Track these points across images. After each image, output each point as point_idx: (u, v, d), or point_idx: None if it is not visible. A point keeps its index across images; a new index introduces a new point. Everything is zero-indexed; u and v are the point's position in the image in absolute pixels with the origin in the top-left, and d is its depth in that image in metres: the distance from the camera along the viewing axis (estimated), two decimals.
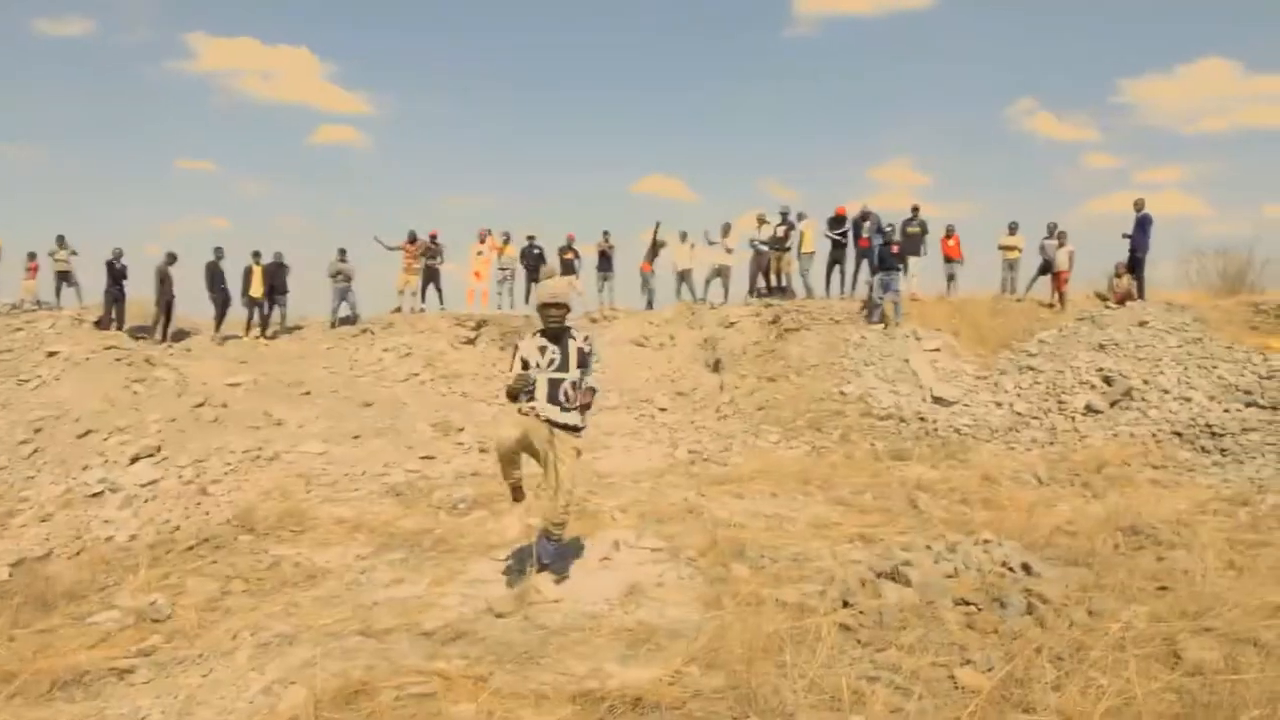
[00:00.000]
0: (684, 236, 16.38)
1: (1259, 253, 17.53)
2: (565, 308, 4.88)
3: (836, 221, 15.17)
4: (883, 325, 13.87)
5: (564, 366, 4.81)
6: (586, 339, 4.98)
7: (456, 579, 5.21)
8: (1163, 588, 4.41)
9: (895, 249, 13.92)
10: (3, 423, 11.14)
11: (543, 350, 4.82)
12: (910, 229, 14.94)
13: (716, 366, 14.70)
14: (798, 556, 5.34)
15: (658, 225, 16.41)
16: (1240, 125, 53.62)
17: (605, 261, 16.52)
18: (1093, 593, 4.30)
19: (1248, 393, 10.58)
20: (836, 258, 15.30)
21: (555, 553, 5.02)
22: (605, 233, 16.56)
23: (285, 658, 3.96)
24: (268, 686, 3.66)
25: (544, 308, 4.82)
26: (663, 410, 13.20)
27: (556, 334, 4.86)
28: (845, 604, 4.22)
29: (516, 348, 4.91)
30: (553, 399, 4.75)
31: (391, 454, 10.49)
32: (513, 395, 4.73)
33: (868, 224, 14.69)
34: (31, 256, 15.82)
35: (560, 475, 4.74)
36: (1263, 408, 10.14)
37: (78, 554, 6.65)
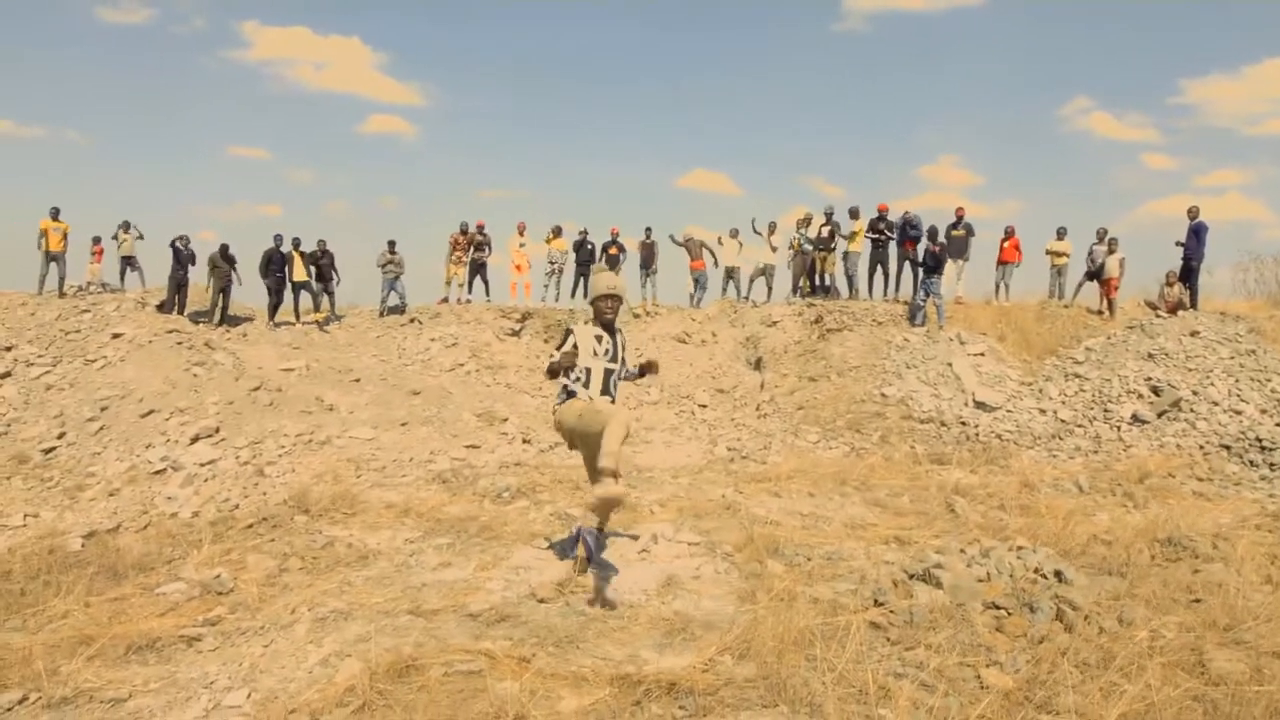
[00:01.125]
0: (734, 234, 16.48)
1: None
2: (621, 300, 4.97)
3: (879, 219, 15.09)
4: (925, 328, 13.82)
5: (615, 358, 4.91)
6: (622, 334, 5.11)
7: (501, 565, 5.42)
8: (1196, 599, 4.44)
9: (937, 250, 13.85)
10: (71, 401, 11.72)
11: (599, 339, 4.87)
12: (955, 232, 14.85)
13: (758, 365, 14.78)
14: (832, 555, 5.45)
15: (727, 236, 16.53)
16: None
17: (648, 257, 16.67)
18: (1124, 601, 4.35)
19: None
20: (879, 258, 15.25)
21: (599, 545, 5.16)
22: (648, 229, 16.74)
23: (341, 632, 4.20)
24: (325, 658, 3.90)
25: (602, 299, 4.87)
26: (703, 407, 13.34)
27: (610, 325, 4.94)
28: (877, 602, 4.34)
29: (570, 331, 4.87)
30: (605, 389, 4.83)
31: (438, 442, 10.79)
32: (555, 373, 4.75)
33: (911, 225, 14.61)
34: (96, 240, 16.51)
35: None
36: None
37: (145, 528, 7.03)
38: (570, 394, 4.79)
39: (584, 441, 4.73)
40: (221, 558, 5.67)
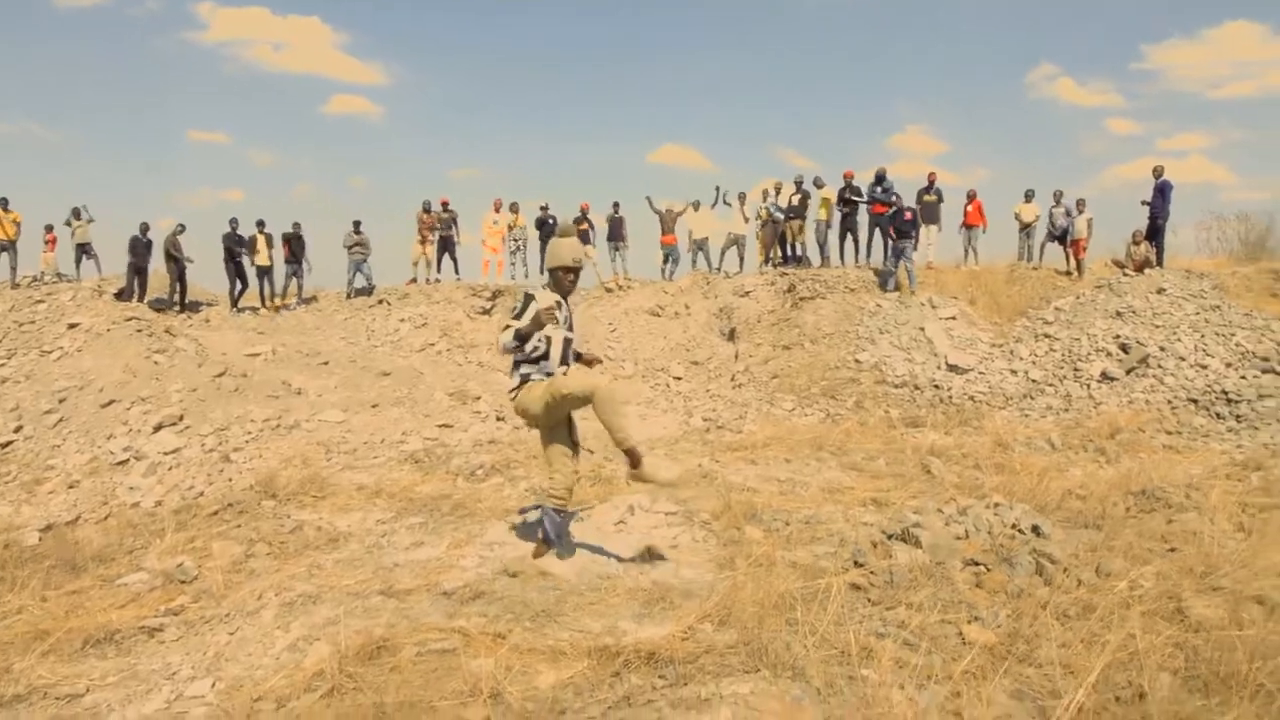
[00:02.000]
0: (697, 206, 16.33)
1: None
2: (580, 272, 4.67)
3: (845, 187, 15.00)
4: (898, 293, 13.82)
5: (571, 328, 4.68)
6: None
7: (474, 541, 5.31)
8: (1171, 549, 4.45)
9: (909, 216, 13.82)
10: (28, 393, 11.35)
11: (559, 307, 4.52)
12: (926, 197, 14.83)
13: (731, 335, 14.72)
14: (810, 519, 5.41)
15: (694, 205, 16.38)
16: (1269, 89, 52.56)
17: (617, 230, 16.49)
18: (1101, 553, 4.34)
19: (1265, 359, 10.50)
20: (849, 225, 15.20)
21: (563, 525, 4.78)
22: (615, 203, 16.56)
23: (309, 616, 4.08)
24: (293, 643, 3.78)
25: (564, 270, 4.52)
26: (678, 379, 13.27)
27: (567, 294, 4.65)
28: (856, 564, 4.29)
29: (531, 298, 4.43)
30: (565, 359, 4.60)
31: (409, 422, 10.62)
32: (524, 338, 4.34)
33: (880, 188, 14.53)
34: (49, 229, 15.99)
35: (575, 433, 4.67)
36: (1279, 374, 10.07)
37: (105, 519, 6.82)
38: (526, 375, 4.50)
39: (552, 417, 4.48)
40: (185, 546, 5.51)
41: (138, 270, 14.34)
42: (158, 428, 10.21)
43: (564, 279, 4.56)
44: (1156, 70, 56.13)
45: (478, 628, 3.71)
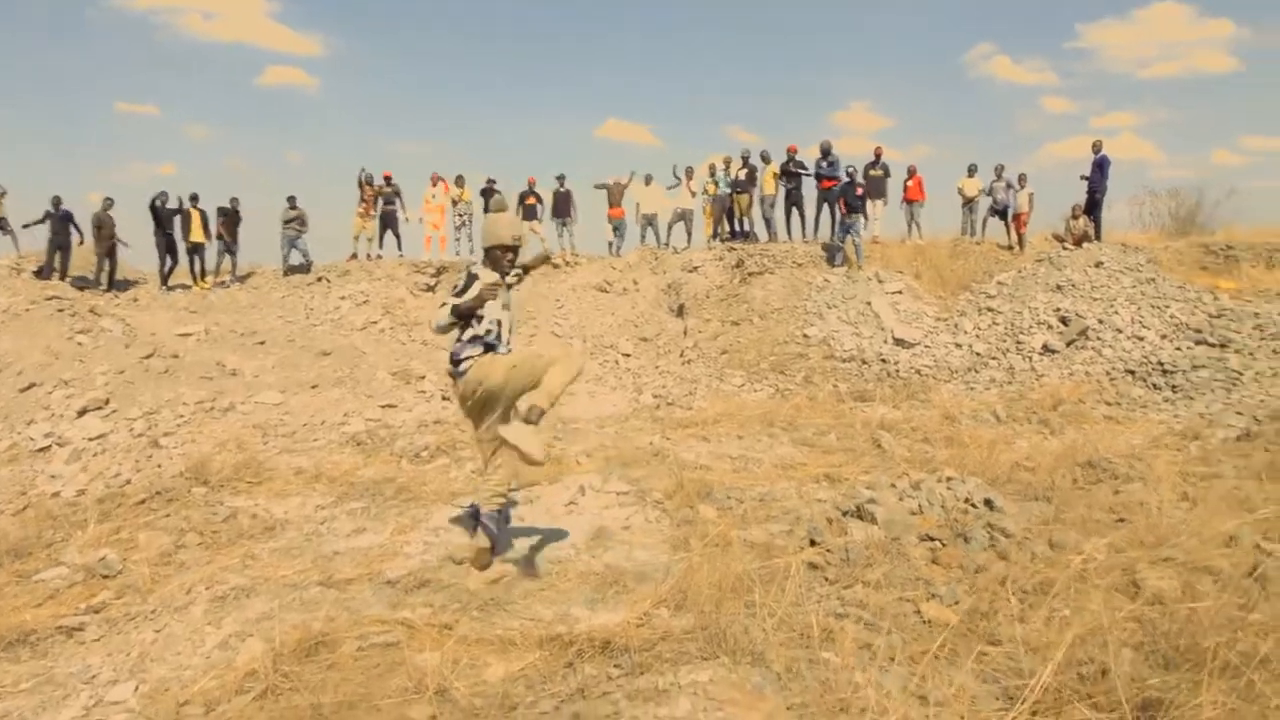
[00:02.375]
0: (649, 180, 16.12)
1: (1208, 195, 17.92)
2: (519, 250, 4.31)
3: (789, 161, 14.94)
4: (845, 268, 13.86)
5: (508, 307, 4.34)
6: None
7: (419, 527, 5.12)
8: (1120, 519, 4.49)
9: (861, 191, 13.84)
10: None
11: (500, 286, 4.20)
12: (873, 172, 14.86)
13: (680, 311, 14.62)
14: (764, 497, 5.34)
15: (632, 175, 16.16)
16: (1193, 69, 54.31)
17: (564, 206, 16.18)
18: (1053, 526, 4.36)
19: (1198, 331, 10.80)
20: (794, 200, 15.17)
21: (502, 525, 4.33)
22: (560, 176, 16.19)
23: (242, 610, 3.86)
24: (224, 640, 3.56)
25: (503, 249, 4.19)
26: (626, 356, 13.13)
27: (505, 270, 4.29)
28: (812, 542, 4.23)
29: (474, 276, 4.09)
30: (506, 341, 4.26)
31: (351, 403, 10.28)
32: (465, 315, 4.01)
33: (826, 162, 14.51)
34: None
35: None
36: (1211, 345, 10.37)
37: (23, 510, 6.41)
38: (466, 355, 4.10)
39: (504, 393, 4.14)
40: (109, 538, 5.19)
41: (58, 246, 13.58)
42: (82, 412, 9.69)
43: (502, 259, 4.21)
44: (1090, 49, 57.48)
45: (422, 619, 3.54)
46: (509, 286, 4.31)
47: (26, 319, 11.73)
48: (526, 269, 4.58)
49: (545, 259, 4.65)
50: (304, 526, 5.32)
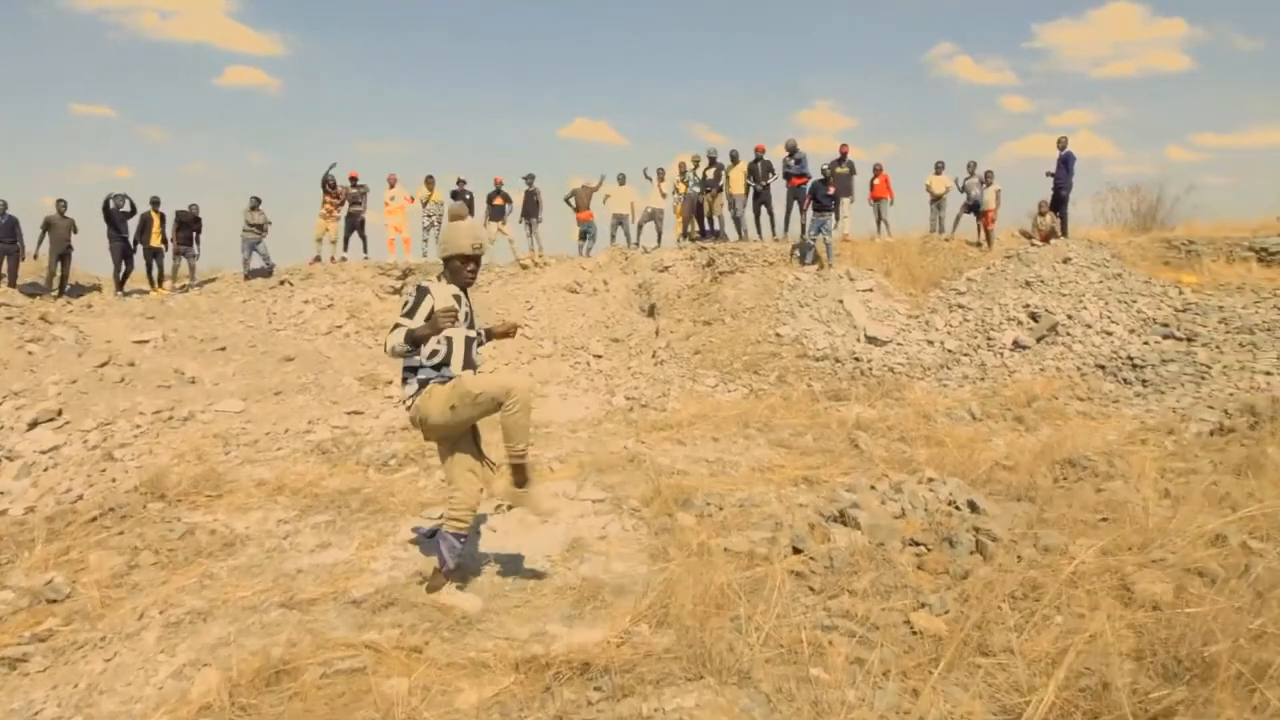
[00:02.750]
0: (621, 180, 15.96)
1: (1168, 191, 18.22)
2: (481, 260, 3.98)
3: (756, 160, 14.89)
4: (816, 266, 13.83)
5: (473, 324, 4.04)
6: None
7: (387, 541, 4.93)
8: (1104, 519, 4.43)
9: (831, 190, 13.81)
10: None
11: (459, 301, 3.85)
12: (839, 169, 14.84)
13: (651, 311, 14.49)
14: (744, 502, 5.22)
15: (603, 179, 16.01)
16: (1147, 68, 55.45)
17: (532, 206, 15.98)
18: (1038, 527, 4.29)
19: (1165, 325, 10.91)
20: (763, 199, 15.12)
21: (459, 551, 3.94)
22: (529, 176, 16.02)
23: (198, 636, 3.65)
24: (179, 670, 3.35)
25: (463, 260, 3.87)
26: (598, 357, 12.97)
27: (467, 285, 3.98)
28: (795, 550, 4.11)
29: (426, 291, 3.76)
30: (468, 362, 3.92)
31: (316, 410, 10.01)
32: (417, 343, 3.61)
33: (794, 159, 14.48)
34: None
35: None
36: (1179, 339, 10.47)
37: None
38: (425, 381, 3.80)
39: (455, 426, 3.81)
40: (58, 559, 4.91)
41: (4, 253, 13.11)
42: (33, 424, 9.31)
43: (462, 269, 3.89)
44: (1046, 49, 58.51)
45: (390, 641, 3.36)
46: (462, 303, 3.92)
47: None
48: (494, 334, 4.29)
49: (514, 330, 4.32)
50: (265, 542, 5.09)
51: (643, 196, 15.97)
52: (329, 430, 9.19)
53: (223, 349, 12.02)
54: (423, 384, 3.80)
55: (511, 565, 4.38)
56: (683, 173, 15.59)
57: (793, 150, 14.58)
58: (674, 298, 14.36)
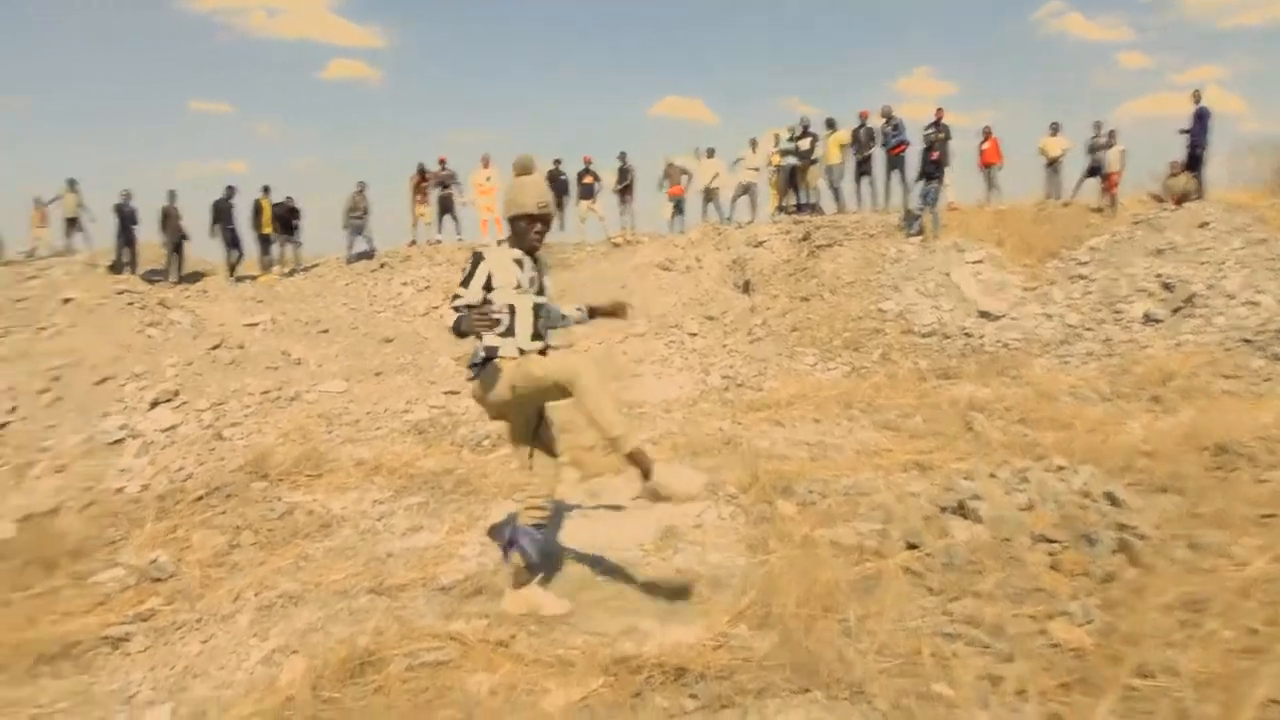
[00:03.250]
0: (710, 153, 15.57)
1: None
2: (550, 223, 3.62)
3: (860, 127, 14.17)
4: (922, 238, 13.10)
5: (543, 290, 3.64)
6: None
7: (477, 525, 4.83)
8: (1268, 515, 3.89)
9: (935, 156, 13.03)
10: (21, 372, 10.91)
11: (520, 265, 3.51)
12: (938, 135, 13.96)
13: (746, 288, 14.08)
14: (849, 490, 4.87)
15: (696, 151, 15.68)
16: (1274, 18, 50.58)
17: (625, 184, 15.79)
18: (1190, 524, 3.79)
19: None
20: (864, 168, 14.42)
21: (542, 544, 3.61)
22: (622, 154, 15.84)
23: (289, 621, 3.61)
24: (268, 655, 3.31)
25: (528, 220, 3.49)
26: (692, 335, 12.68)
27: (534, 249, 3.59)
28: (910, 545, 3.76)
29: (480, 258, 3.48)
30: (536, 333, 3.55)
31: (414, 390, 10.14)
32: (464, 332, 3.29)
33: (891, 126, 13.73)
34: (38, 203, 15.43)
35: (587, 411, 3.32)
36: None
37: (88, 506, 6.39)
38: (492, 351, 3.48)
39: (519, 408, 3.54)
40: (165, 537, 5.04)
41: (125, 242, 13.84)
42: (154, 404, 9.76)
43: (528, 231, 3.52)
44: (1165, 1, 54.01)
45: (476, 633, 3.22)
46: (534, 264, 3.60)
47: (99, 313, 11.93)
48: (599, 313, 3.94)
49: (623, 309, 3.93)
50: (360, 524, 5.09)
51: (734, 171, 15.52)
52: (426, 410, 9.27)
53: (326, 331, 12.35)
54: (488, 358, 3.48)
55: (602, 555, 4.19)
56: (776, 143, 15.05)
57: (888, 117, 13.84)
58: (769, 273, 13.90)
